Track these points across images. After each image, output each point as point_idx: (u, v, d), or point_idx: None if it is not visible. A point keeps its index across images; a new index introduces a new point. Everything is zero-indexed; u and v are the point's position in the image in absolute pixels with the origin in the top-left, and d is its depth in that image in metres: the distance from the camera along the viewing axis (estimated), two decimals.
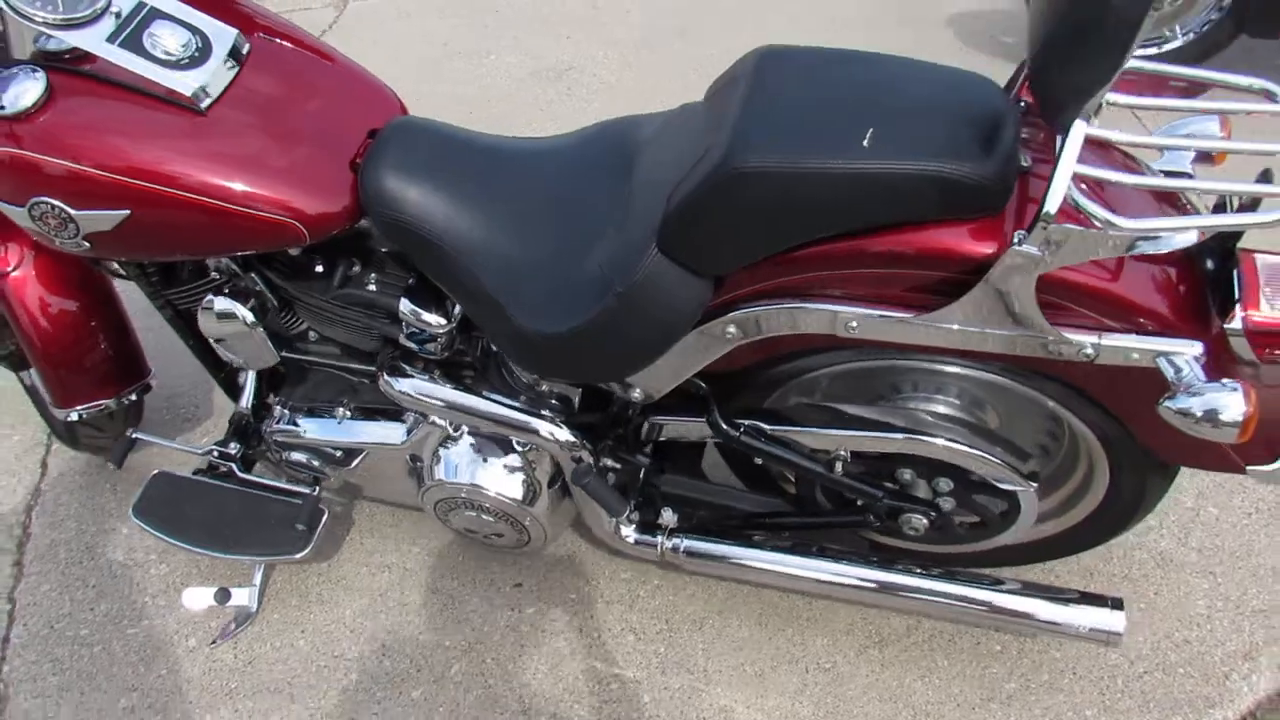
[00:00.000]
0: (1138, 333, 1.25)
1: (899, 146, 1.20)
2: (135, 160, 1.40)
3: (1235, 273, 1.25)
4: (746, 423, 1.56)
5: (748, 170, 1.22)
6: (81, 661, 1.88)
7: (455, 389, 1.61)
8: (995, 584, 1.59)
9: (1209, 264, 1.29)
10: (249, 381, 1.85)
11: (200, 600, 1.86)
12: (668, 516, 1.72)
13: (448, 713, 1.75)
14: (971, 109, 1.24)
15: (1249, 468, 1.39)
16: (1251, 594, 1.78)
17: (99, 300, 1.97)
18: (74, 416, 2.00)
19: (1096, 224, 1.12)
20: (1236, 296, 1.23)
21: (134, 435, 1.93)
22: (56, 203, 1.43)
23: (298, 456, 1.86)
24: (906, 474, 1.58)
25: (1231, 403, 1.15)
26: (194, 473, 1.90)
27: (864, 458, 1.57)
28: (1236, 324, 1.25)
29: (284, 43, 1.58)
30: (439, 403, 1.61)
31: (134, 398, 2.06)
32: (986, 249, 1.20)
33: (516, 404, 1.61)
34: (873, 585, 1.61)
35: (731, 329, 1.38)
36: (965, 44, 3.65)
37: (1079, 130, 1.11)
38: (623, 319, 1.36)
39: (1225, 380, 1.18)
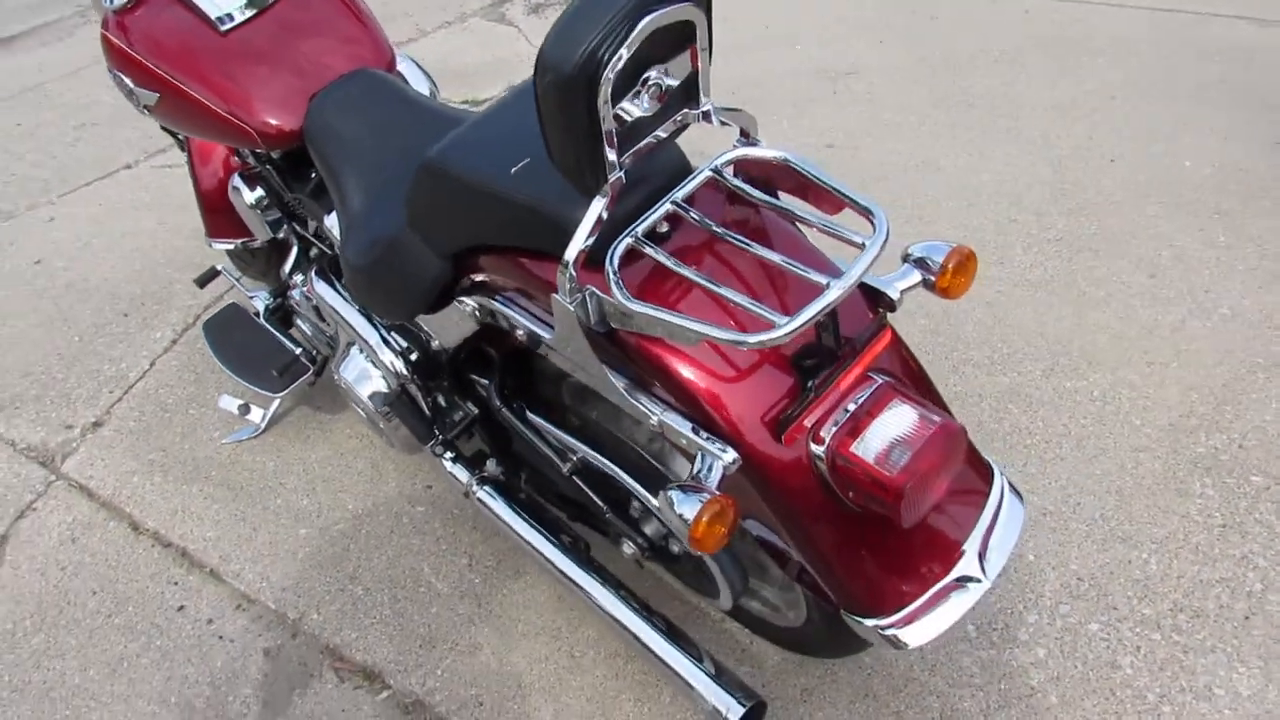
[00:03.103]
0: (696, 421, 1.23)
1: (535, 179, 1.29)
2: (166, 59, 1.90)
3: (822, 395, 1.19)
4: (517, 402, 1.71)
5: (434, 167, 1.39)
6: (152, 420, 2.54)
7: (338, 296, 1.93)
8: (666, 629, 1.59)
9: (812, 381, 1.22)
10: (291, 252, 2.32)
11: (229, 405, 2.43)
12: (490, 466, 1.91)
13: (293, 552, 2.13)
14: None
15: (844, 614, 1.29)
16: None
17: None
18: (216, 247, 2.64)
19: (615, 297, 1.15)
20: (791, 414, 1.18)
21: (218, 267, 2.52)
22: (125, 78, 1.97)
23: (302, 324, 2.31)
24: (638, 503, 1.63)
25: (684, 510, 1.13)
26: (254, 313, 2.44)
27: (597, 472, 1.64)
28: (819, 449, 1.20)
29: None
30: (325, 303, 1.95)
31: (259, 244, 2.65)
32: None
33: (374, 325, 1.88)
34: (574, 584, 1.68)
35: (469, 307, 1.55)
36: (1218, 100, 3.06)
37: (598, 202, 1.14)
38: (382, 269, 1.60)
39: (704, 491, 1.14)
